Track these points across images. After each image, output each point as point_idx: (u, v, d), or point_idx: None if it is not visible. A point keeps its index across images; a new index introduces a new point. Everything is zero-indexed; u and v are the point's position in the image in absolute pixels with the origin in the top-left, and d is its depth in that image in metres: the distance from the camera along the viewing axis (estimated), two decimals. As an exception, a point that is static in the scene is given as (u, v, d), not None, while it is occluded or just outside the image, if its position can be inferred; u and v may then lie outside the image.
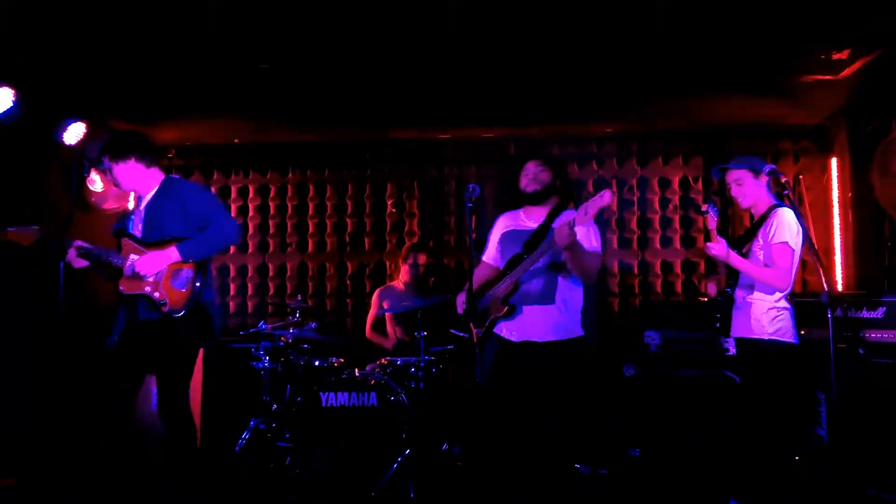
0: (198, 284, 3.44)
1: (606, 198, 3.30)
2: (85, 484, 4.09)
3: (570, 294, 3.66)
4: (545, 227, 3.66)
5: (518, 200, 3.82)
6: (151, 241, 3.50)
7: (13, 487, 4.15)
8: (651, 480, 4.43)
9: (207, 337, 3.57)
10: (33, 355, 4.68)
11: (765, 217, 3.64)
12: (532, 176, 3.71)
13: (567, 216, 3.64)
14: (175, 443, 3.45)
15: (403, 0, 3.77)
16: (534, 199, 3.72)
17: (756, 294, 3.59)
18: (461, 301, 3.81)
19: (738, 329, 3.66)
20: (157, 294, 3.42)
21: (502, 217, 3.90)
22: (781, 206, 3.63)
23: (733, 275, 3.68)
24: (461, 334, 4.50)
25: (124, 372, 3.53)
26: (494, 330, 3.67)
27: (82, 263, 3.58)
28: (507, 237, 3.78)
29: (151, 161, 3.63)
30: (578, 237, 3.38)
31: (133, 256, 3.47)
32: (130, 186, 3.65)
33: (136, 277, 3.44)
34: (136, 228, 3.59)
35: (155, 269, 3.41)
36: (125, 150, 3.56)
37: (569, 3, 3.81)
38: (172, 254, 3.41)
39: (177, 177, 3.74)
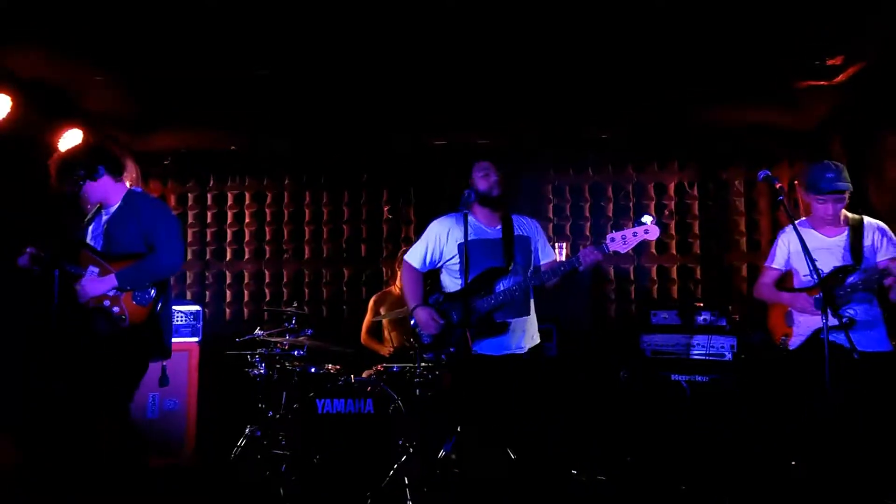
0: (160, 304, 3.49)
1: (654, 234, 3.19)
2: (84, 485, 4.05)
3: (534, 303, 3.68)
4: (509, 236, 3.60)
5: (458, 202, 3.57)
6: (114, 254, 3.51)
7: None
8: (648, 484, 4.42)
9: (158, 352, 3.58)
10: (34, 356, 4.66)
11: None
12: (496, 179, 3.60)
13: (519, 222, 3.67)
14: (120, 452, 3.44)
15: (400, 5, 3.77)
16: (496, 204, 3.62)
17: (879, 307, 3.63)
18: (427, 321, 3.59)
19: (872, 342, 3.61)
20: (116, 308, 3.44)
21: (446, 220, 3.69)
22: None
23: (849, 295, 3.62)
24: (429, 355, 4.44)
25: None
26: (474, 347, 3.51)
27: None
28: (470, 246, 3.50)
29: (120, 174, 3.64)
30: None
31: (92, 269, 3.48)
32: (98, 200, 3.64)
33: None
34: (97, 240, 3.58)
35: (95, 293, 3.43)
36: (97, 166, 3.56)
37: (565, 8, 3.82)
38: (111, 281, 3.43)
39: (139, 190, 3.72)
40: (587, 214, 6.14)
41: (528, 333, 3.59)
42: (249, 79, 4.66)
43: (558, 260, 3.61)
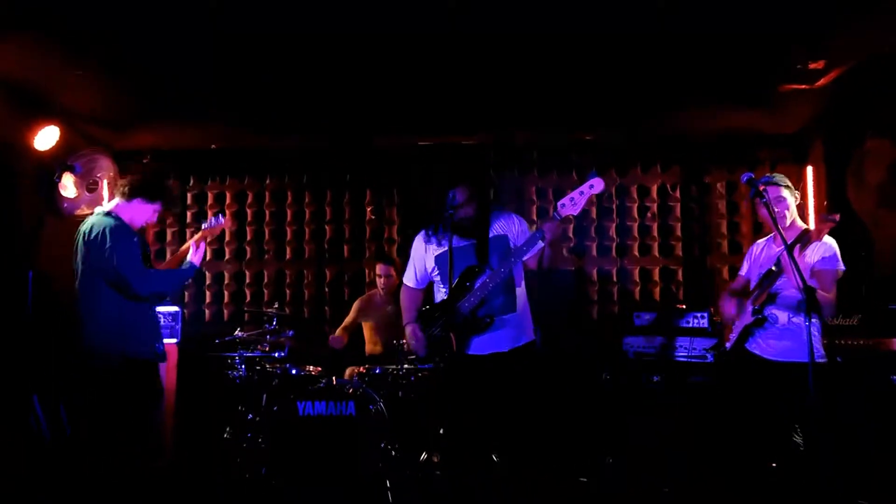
0: None
1: (598, 187, 3.28)
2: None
3: (524, 300, 3.62)
4: (483, 240, 3.56)
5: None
6: None
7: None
8: (629, 486, 4.42)
9: None
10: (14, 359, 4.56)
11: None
12: (463, 214, 3.52)
13: (498, 221, 3.61)
14: None
15: (390, 5, 3.73)
16: (465, 231, 3.57)
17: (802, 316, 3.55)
18: (410, 335, 3.65)
19: (784, 352, 3.61)
20: None
21: (421, 236, 3.73)
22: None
23: (773, 295, 3.65)
24: (426, 367, 4.44)
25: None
26: (466, 350, 3.51)
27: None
28: (445, 257, 3.48)
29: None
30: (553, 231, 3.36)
31: None
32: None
33: None
34: None
35: None
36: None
37: (554, 12, 3.80)
38: None
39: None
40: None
41: (513, 333, 3.53)
42: (231, 77, 4.59)
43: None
